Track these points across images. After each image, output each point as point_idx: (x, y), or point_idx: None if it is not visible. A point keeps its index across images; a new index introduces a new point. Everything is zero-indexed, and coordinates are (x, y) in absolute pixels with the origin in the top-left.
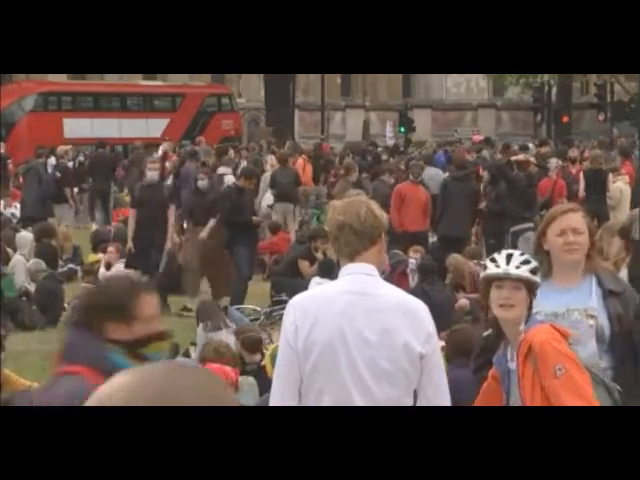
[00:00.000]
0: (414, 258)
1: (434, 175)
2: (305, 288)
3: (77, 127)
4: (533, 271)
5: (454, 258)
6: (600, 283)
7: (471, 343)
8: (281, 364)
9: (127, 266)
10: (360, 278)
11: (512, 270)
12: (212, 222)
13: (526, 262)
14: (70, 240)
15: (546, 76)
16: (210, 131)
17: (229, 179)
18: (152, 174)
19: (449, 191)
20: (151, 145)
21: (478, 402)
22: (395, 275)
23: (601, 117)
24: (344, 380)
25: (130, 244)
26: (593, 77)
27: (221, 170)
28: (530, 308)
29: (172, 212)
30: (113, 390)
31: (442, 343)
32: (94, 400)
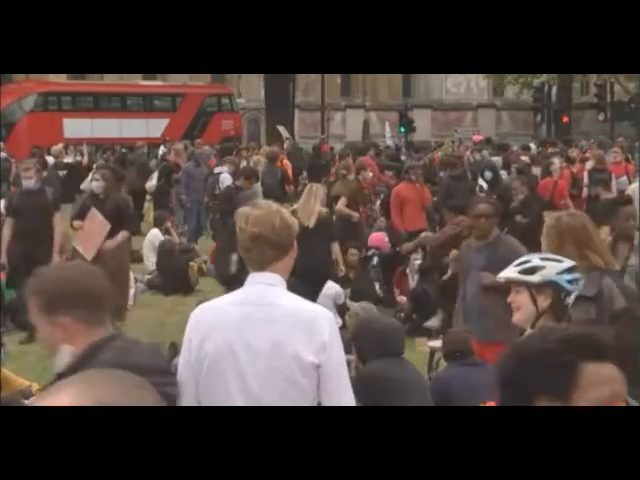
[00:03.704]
0: (415, 258)
1: None
2: None
3: (77, 127)
4: (525, 271)
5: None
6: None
7: (467, 343)
8: (179, 373)
9: (8, 284)
10: (259, 288)
11: (503, 273)
12: (123, 234)
13: (521, 263)
14: (70, 240)
15: (545, 76)
16: (210, 131)
17: (225, 177)
18: (29, 182)
19: (449, 191)
20: (151, 145)
21: None
22: (395, 275)
23: (601, 117)
24: (231, 392)
25: (4, 259)
26: (593, 77)
27: (217, 169)
28: (537, 308)
29: (58, 220)
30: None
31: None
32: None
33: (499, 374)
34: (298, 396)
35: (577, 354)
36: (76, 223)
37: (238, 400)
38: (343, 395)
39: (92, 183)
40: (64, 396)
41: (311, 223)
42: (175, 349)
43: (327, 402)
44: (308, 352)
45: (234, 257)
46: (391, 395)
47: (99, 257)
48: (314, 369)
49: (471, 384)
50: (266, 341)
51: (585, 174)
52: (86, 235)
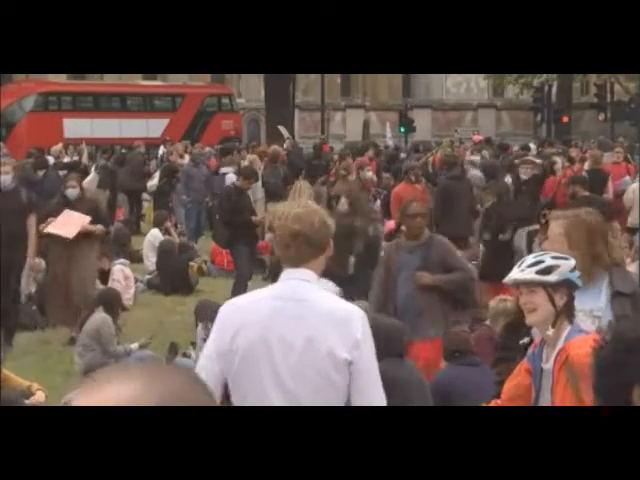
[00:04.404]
0: None
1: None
2: None
3: (77, 127)
4: (542, 271)
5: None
6: (611, 283)
7: (467, 343)
8: (199, 368)
9: None
10: (293, 284)
11: (516, 275)
12: (99, 227)
13: (535, 264)
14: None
15: (545, 76)
16: (210, 131)
17: (230, 178)
18: (5, 178)
19: (449, 191)
20: (151, 145)
21: (506, 388)
22: None
23: (601, 117)
24: (264, 386)
25: None
26: (593, 77)
27: (222, 170)
28: (555, 307)
29: (33, 223)
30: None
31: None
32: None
33: (598, 359)
34: (332, 392)
35: None
36: (49, 220)
37: (272, 394)
38: (374, 393)
39: (67, 190)
40: (124, 389)
41: None
42: (175, 349)
43: (358, 399)
44: (342, 348)
45: (352, 259)
46: (391, 395)
47: (72, 248)
48: (347, 366)
49: (471, 384)
50: (299, 337)
51: (584, 174)
52: (62, 222)
